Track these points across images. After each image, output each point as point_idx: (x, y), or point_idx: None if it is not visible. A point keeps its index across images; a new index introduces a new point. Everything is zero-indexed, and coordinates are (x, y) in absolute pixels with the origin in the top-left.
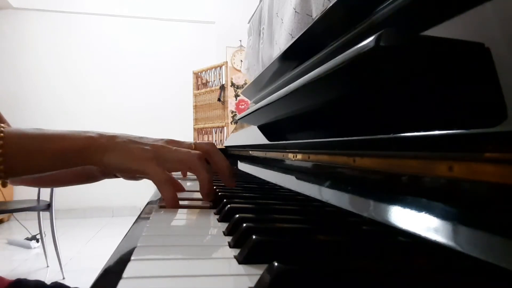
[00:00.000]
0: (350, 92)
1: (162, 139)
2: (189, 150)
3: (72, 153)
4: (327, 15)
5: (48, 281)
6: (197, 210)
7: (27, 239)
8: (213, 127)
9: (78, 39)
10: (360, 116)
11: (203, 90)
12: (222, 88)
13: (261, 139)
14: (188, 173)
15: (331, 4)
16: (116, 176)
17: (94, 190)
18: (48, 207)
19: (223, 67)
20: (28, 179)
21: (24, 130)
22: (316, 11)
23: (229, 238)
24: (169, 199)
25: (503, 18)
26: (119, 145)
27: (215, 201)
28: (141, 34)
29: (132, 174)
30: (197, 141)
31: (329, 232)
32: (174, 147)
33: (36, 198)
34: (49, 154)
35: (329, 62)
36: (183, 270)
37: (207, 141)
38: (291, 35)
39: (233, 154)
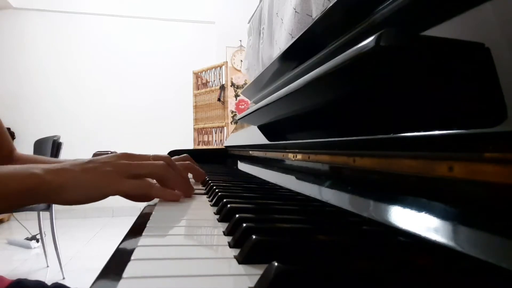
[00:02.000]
0: (350, 92)
1: (115, 155)
2: (153, 162)
3: (18, 196)
4: (327, 15)
5: (48, 281)
6: (197, 210)
7: (27, 239)
8: (213, 127)
9: (78, 39)
10: (360, 116)
11: (203, 90)
12: (222, 88)
13: (261, 139)
14: None
15: (331, 4)
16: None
17: None
18: (48, 207)
19: (223, 67)
20: None
21: None
22: (316, 11)
23: (229, 238)
24: (168, 196)
25: (503, 18)
26: (72, 177)
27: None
28: (141, 34)
29: (104, 198)
30: (153, 154)
31: (329, 232)
32: (135, 162)
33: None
34: None
35: (329, 62)
36: (183, 270)
37: (163, 155)
38: (291, 35)
39: (233, 154)
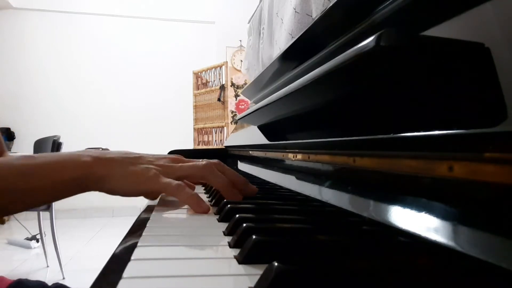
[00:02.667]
0: (350, 92)
1: (165, 157)
2: (195, 162)
3: (68, 185)
4: (327, 15)
5: (48, 281)
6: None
7: (27, 239)
8: (213, 127)
9: (78, 39)
10: (360, 116)
11: (203, 90)
12: (222, 88)
13: (261, 139)
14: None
15: (331, 4)
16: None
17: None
18: (48, 207)
19: (223, 67)
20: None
21: (13, 164)
22: (316, 11)
23: (229, 238)
24: (192, 202)
25: (503, 18)
26: (119, 169)
27: (214, 200)
28: (141, 34)
29: (142, 195)
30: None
31: (329, 232)
32: (179, 164)
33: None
34: (41, 190)
35: (329, 62)
36: (183, 270)
37: (214, 160)
38: (291, 35)
39: (233, 154)
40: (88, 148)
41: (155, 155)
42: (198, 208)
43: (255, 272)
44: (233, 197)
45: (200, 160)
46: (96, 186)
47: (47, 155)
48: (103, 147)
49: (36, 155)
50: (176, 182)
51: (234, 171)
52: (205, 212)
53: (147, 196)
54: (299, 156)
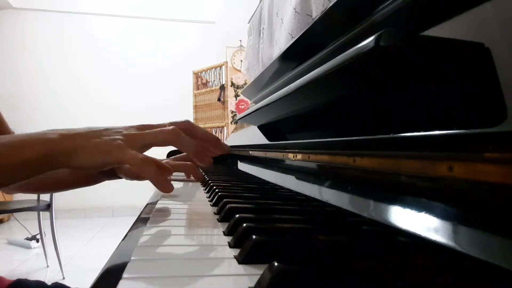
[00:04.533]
0: (350, 92)
1: (132, 126)
2: (161, 128)
3: (34, 162)
4: (327, 15)
5: (48, 281)
6: (196, 208)
7: (27, 239)
8: (213, 127)
9: (78, 39)
10: (360, 116)
11: (203, 90)
12: (222, 88)
13: (261, 139)
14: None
15: (331, 4)
16: (118, 177)
17: (94, 190)
18: (48, 207)
19: (223, 67)
20: (23, 187)
21: None
22: (316, 11)
23: (229, 238)
24: (155, 179)
25: (503, 18)
26: (83, 143)
27: (214, 200)
28: (141, 34)
29: (108, 167)
30: (172, 121)
31: (329, 232)
32: (146, 131)
33: (36, 198)
34: (8, 167)
35: (329, 62)
36: (183, 270)
37: (182, 121)
38: (291, 35)
39: (233, 154)
40: None
41: (125, 126)
42: (161, 188)
43: (255, 272)
44: (204, 162)
45: (168, 123)
46: (64, 163)
47: (14, 135)
48: None
49: (2, 136)
50: (142, 156)
51: (204, 130)
52: (168, 192)
53: (119, 172)
54: (299, 156)
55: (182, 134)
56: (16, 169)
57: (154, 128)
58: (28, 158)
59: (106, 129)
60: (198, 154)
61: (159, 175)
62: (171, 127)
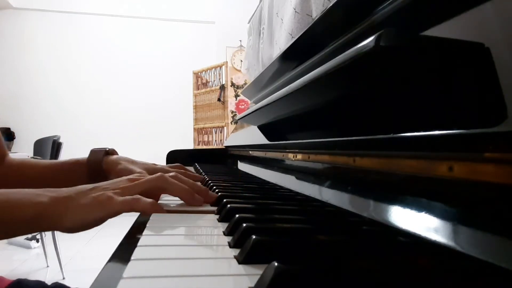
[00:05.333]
0: (350, 92)
1: (120, 179)
2: (149, 177)
3: (23, 223)
4: (327, 15)
5: (48, 281)
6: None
7: (27, 239)
8: (213, 127)
9: (78, 39)
10: (360, 116)
11: (203, 90)
12: (222, 88)
13: (261, 139)
14: None
15: (331, 4)
16: None
17: None
18: None
19: (223, 67)
20: None
21: None
22: (316, 11)
23: (229, 238)
24: (151, 209)
25: (503, 18)
26: (73, 204)
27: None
28: (141, 34)
29: (102, 222)
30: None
31: (329, 232)
32: (133, 183)
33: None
34: None
35: (329, 62)
36: (183, 270)
37: (174, 165)
38: (291, 35)
39: (233, 154)
40: (93, 148)
41: (113, 180)
42: (160, 211)
43: (255, 272)
44: (195, 203)
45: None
46: (52, 226)
47: (4, 192)
48: (109, 147)
49: None
50: (130, 196)
51: (191, 182)
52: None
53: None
54: (299, 156)
55: (169, 179)
56: (5, 228)
57: (142, 179)
58: (19, 219)
59: (95, 187)
60: (189, 197)
61: (153, 204)
62: (158, 174)
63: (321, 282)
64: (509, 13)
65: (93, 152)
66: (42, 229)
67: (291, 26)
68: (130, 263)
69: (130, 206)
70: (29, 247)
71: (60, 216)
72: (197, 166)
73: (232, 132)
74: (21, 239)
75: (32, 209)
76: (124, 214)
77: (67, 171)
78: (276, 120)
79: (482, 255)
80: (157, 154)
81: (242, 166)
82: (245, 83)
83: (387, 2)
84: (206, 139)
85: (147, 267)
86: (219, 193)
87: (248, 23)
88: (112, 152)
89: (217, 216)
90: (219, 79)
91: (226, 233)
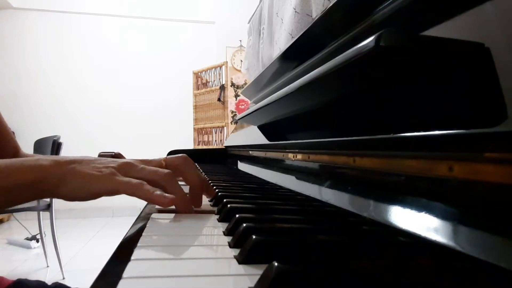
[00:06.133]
0: (350, 92)
1: (123, 160)
2: (158, 168)
3: (25, 187)
4: (327, 15)
5: (48, 281)
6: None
7: (27, 239)
8: (213, 127)
9: (78, 39)
10: (360, 116)
11: (203, 90)
12: (222, 88)
13: (261, 139)
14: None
15: (331, 4)
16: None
17: None
18: (48, 207)
19: (223, 67)
20: None
21: None
22: (316, 11)
23: (229, 238)
24: (157, 198)
25: (503, 18)
26: (75, 171)
27: (214, 200)
28: (141, 34)
29: (99, 196)
30: (168, 156)
31: (329, 232)
32: (141, 165)
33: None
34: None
35: (329, 62)
36: (183, 270)
37: (180, 155)
38: (291, 35)
39: (233, 154)
40: (100, 152)
41: (121, 160)
42: (164, 203)
43: (255, 272)
44: (185, 211)
45: (163, 159)
46: (53, 191)
47: (8, 160)
48: (115, 152)
49: None
50: (136, 180)
51: (197, 173)
52: (170, 204)
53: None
54: (299, 156)
55: (175, 181)
56: (7, 193)
57: (150, 164)
58: (20, 183)
59: (100, 160)
60: (182, 204)
61: (158, 193)
62: (167, 171)
63: (321, 282)
64: (509, 13)
65: (101, 156)
66: (41, 194)
67: (291, 26)
68: (130, 263)
69: (131, 190)
70: (29, 247)
71: (59, 181)
72: (197, 166)
73: (232, 132)
74: (21, 239)
75: (33, 172)
76: (124, 214)
77: None
78: (276, 120)
79: (482, 255)
80: (157, 154)
81: (242, 166)
82: (245, 83)
83: (387, 2)
84: (206, 139)
85: (147, 267)
86: (219, 193)
87: (248, 23)
88: (118, 155)
89: (217, 216)
90: (219, 79)
91: (226, 233)
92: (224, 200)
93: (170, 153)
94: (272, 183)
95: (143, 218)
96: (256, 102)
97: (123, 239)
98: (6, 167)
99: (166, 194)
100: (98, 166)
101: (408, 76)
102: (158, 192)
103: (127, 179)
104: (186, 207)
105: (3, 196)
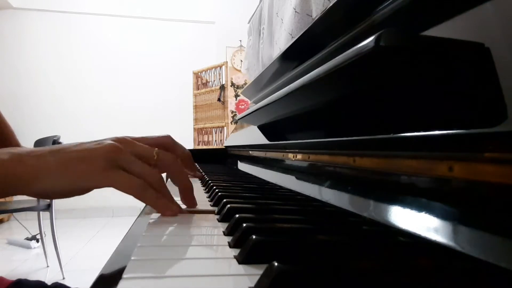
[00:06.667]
0: (350, 92)
1: (108, 140)
2: (151, 169)
3: None
4: (327, 15)
5: (48, 281)
6: (196, 208)
7: (27, 239)
8: (213, 127)
9: (78, 39)
10: (360, 116)
11: (203, 90)
12: (222, 88)
13: (261, 139)
14: None
15: (331, 4)
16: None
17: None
18: (48, 207)
19: (223, 67)
20: None
21: None
22: (316, 11)
23: (229, 238)
24: (161, 205)
25: (503, 18)
26: (48, 166)
27: (214, 200)
28: (141, 34)
29: (85, 192)
30: (150, 136)
31: (329, 232)
32: (133, 157)
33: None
34: None
35: (329, 62)
36: (183, 270)
37: (163, 135)
38: (291, 35)
39: (233, 154)
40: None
41: (96, 140)
42: (167, 212)
43: (255, 272)
44: (166, 213)
45: (149, 138)
46: (21, 186)
47: None
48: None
49: None
50: (137, 180)
51: (183, 148)
52: (175, 214)
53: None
54: (299, 156)
55: (176, 165)
56: None
57: (144, 141)
58: None
59: (78, 145)
60: (187, 195)
61: (158, 199)
62: (170, 156)
63: (321, 282)
64: (509, 13)
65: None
66: (14, 191)
67: (291, 26)
68: (130, 263)
69: (132, 191)
70: (29, 247)
71: (29, 179)
72: (197, 166)
73: (232, 132)
74: (21, 239)
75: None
76: (124, 214)
77: None
78: (276, 120)
79: (482, 255)
80: None
81: (242, 166)
82: (245, 83)
83: (387, 2)
84: (206, 139)
85: (147, 267)
86: (219, 193)
87: (248, 23)
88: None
89: (217, 216)
90: (219, 79)
91: (226, 233)
92: (224, 200)
93: None
94: (272, 183)
95: (144, 217)
96: (256, 102)
97: (123, 239)
98: None
99: (171, 205)
100: (81, 159)
101: (408, 76)
102: (163, 199)
103: (124, 175)
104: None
105: None
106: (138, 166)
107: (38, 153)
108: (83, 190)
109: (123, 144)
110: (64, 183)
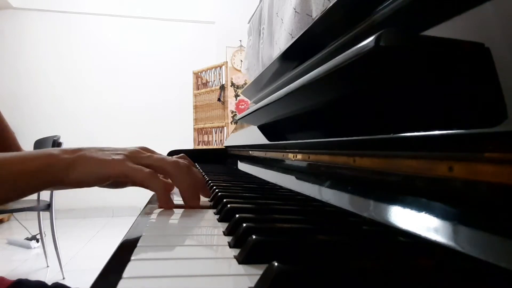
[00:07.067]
0: (350, 92)
1: (133, 147)
2: (165, 156)
3: (32, 174)
4: (327, 15)
5: (48, 281)
6: (197, 210)
7: (27, 239)
8: (213, 127)
9: (78, 39)
10: (360, 116)
11: (203, 90)
12: (222, 88)
13: (261, 139)
14: None
15: (331, 4)
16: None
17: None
18: (48, 207)
19: (223, 67)
20: None
21: None
22: (316, 11)
23: (229, 238)
24: (163, 194)
25: (503, 18)
26: (84, 156)
27: (214, 200)
28: (141, 34)
29: (109, 181)
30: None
31: (329, 232)
32: (148, 153)
33: (36, 198)
34: (9, 177)
35: (329, 62)
36: (183, 270)
37: (178, 156)
38: (291, 35)
39: (233, 154)
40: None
41: (128, 147)
42: (164, 204)
43: (255, 272)
44: (193, 202)
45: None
46: (61, 177)
47: (19, 152)
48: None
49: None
50: (148, 169)
51: (198, 175)
52: (169, 209)
53: (116, 184)
54: (299, 156)
55: (183, 170)
56: (14, 182)
57: (156, 154)
58: (28, 169)
59: (108, 147)
60: (189, 193)
61: (167, 191)
62: (174, 159)
63: (321, 282)
64: (509, 13)
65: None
66: (49, 182)
67: (291, 26)
68: (130, 263)
69: (141, 177)
70: (29, 247)
71: (68, 166)
72: (197, 166)
73: (232, 132)
74: (21, 239)
75: (40, 158)
76: (124, 214)
77: None
78: (276, 120)
79: (482, 255)
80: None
81: (242, 166)
82: (245, 83)
83: (387, 2)
84: (206, 139)
85: (147, 267)
86: (219, 193)
87: (248, 23)
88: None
89: (217, 216)
90: (219, 79)
91: (226, 233)
92: (224, 200)
93: (170, 153)
94: (272, 183)
95: (143, 217)
96: (256, 102)
97: (123, 239)
98: (12, 156)
99: (170, 201)
100: (107, 152)
101: (408, 76)
102: (167, 190)
103: (138, 166)
104: (193, 200)
105: (11, 185)
106: (154, 159)
107: (72, 149)
108: (103, 176)
109: (144, 150)
110: (90, 171)
